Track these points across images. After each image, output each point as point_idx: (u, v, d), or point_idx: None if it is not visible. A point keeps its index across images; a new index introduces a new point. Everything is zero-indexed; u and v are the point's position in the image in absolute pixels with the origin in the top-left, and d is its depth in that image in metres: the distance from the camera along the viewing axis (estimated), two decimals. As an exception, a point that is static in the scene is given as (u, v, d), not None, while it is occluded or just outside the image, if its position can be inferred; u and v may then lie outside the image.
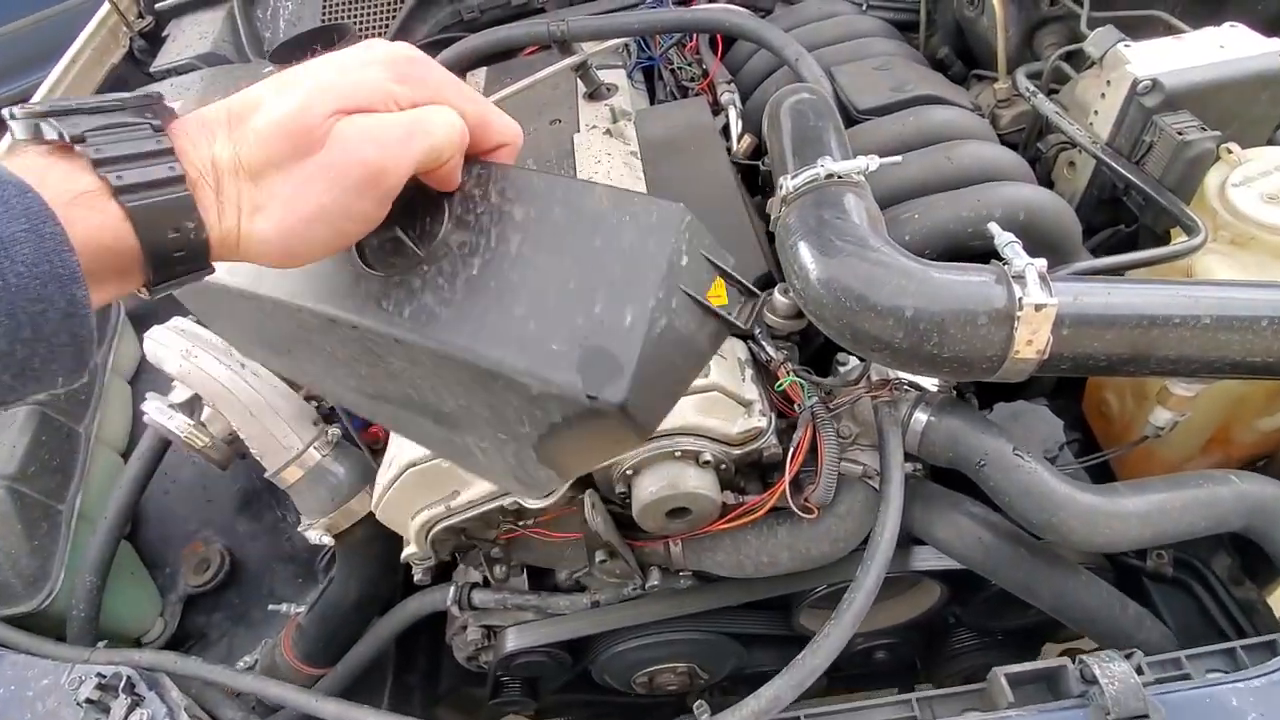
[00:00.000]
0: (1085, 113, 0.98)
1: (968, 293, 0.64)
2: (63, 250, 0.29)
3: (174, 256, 0.32)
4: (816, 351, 0.88)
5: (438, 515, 0.79)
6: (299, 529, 0.95)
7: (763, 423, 0.73)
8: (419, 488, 0.78)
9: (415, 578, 0.88)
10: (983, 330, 0.63)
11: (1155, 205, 0.86)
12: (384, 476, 0.80)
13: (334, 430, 0.95)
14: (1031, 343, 0.63)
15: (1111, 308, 0.64)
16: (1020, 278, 0.64)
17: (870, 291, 0.66)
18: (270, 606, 1.18)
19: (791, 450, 0.71)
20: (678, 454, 0.72)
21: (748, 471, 0.80)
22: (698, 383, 0.72)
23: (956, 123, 0.96)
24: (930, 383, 0.79)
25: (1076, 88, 1.01)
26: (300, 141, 0.34)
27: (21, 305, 0.29)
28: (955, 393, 0.79)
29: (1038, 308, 0.62)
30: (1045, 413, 0.91)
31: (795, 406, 0.73)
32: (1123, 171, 0.89)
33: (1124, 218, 1.00)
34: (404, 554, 0.86)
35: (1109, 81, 0.92)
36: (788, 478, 0.70)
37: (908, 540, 0.85)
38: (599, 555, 0.81)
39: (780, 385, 0.74)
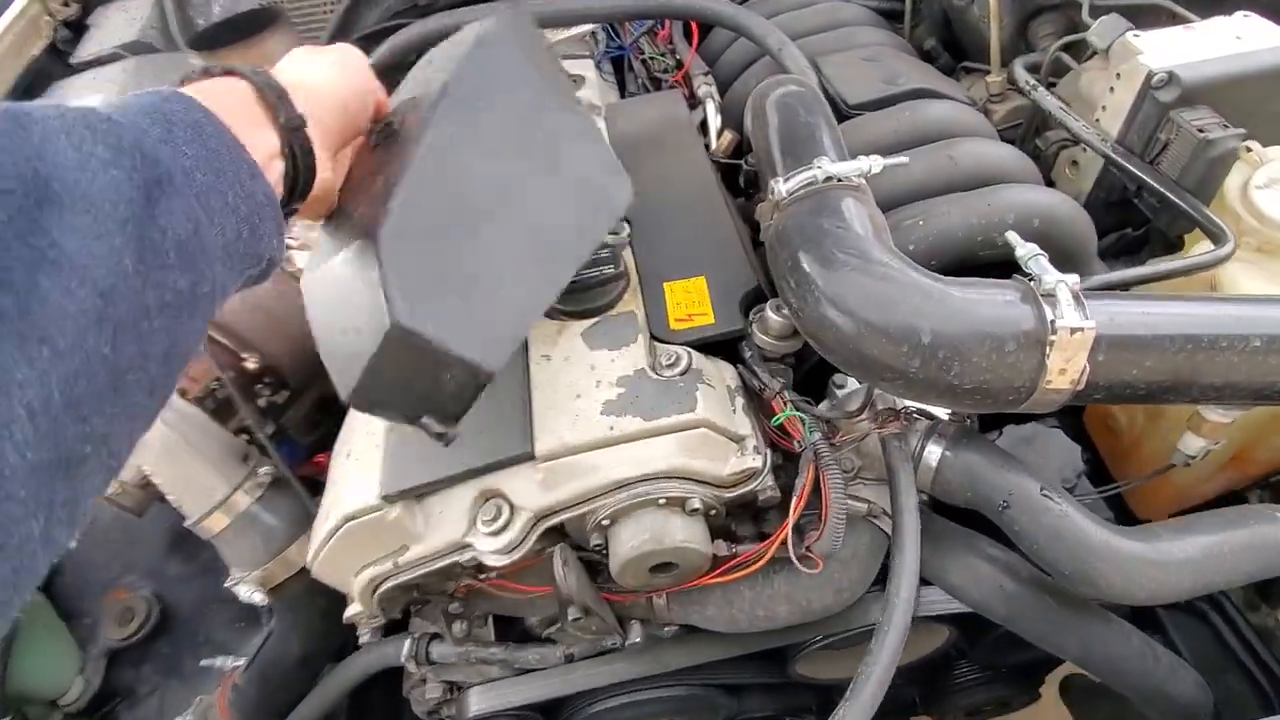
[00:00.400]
0: (1091, 108, 0.91)
1: (993, 314, 0.56)
2: (224, 132, 0.41)
3: (279, 89, 0.47)
4: (810, 371, 0.79)
5: (384, 573, 0.68)
6: (226, 584, 0.83)
7: (757, 462, 0.64)
8: (360, 543, 0.67)
9: (361, 639, 0.77)
10: (1010, 358, 0.55)
11: (1171, 209, 0.79)
12: (320, 529, 0.69)
13: (266, 469, 0.83)
14: (1065, 371, 0.55)
15: (1152, 329, 0.56)
16: (1050, 296, 0.56)
17: (881, 313, 0.57)
18: (203, 662, 1.06)
19: (794, 498, 0.62)
20: (661, 501, 0.63)
21: (739, 512, 0.71)
22: (682, 418, 0.63)
23: (956, 119, 0.88)
24: (940, 409, 0.71)
25: (1080, 81, 0.94)
26: (322, 50, 0.55)
27: (227, 165, 0.40)
28: (969, 420, 0.71)
29: (1073, 331, 0.54)
30: (1059, 436, 0.84)
31: (796, 443, 0.64)
32: (1136, 172, 0.82)
33: (1131, 220, 0.93)
34: (347, 613, 0.75)
35: (1119, 74, 0.85)
36: (790, 525, 0.61)
37: (914, 580, 0.77)
38: (573, 612, 0.71)
39: (777, 420, 0.65)
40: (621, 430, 0.63)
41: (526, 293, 0.55)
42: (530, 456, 0.64)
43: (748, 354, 0.71)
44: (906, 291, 0.58)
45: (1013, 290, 0.58)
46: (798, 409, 0.65)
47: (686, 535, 0.62)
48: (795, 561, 0.62)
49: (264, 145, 0.44)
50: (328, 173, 0.51)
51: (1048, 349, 0.55)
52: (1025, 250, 0.61)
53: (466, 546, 0.66)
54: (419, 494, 0.66)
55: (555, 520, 0.65)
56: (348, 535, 0.66)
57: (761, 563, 0.64)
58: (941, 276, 0.59)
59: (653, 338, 0.72)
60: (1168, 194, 0.78)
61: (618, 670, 0.80)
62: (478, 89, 0.54)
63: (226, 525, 0.80)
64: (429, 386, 0.51)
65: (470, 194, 0.53)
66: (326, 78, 0.51)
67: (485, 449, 0.65)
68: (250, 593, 0.81)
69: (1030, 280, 0.58)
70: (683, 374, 0.67)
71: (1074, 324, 0.54)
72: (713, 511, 0.65)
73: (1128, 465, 0.93)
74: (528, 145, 0.57)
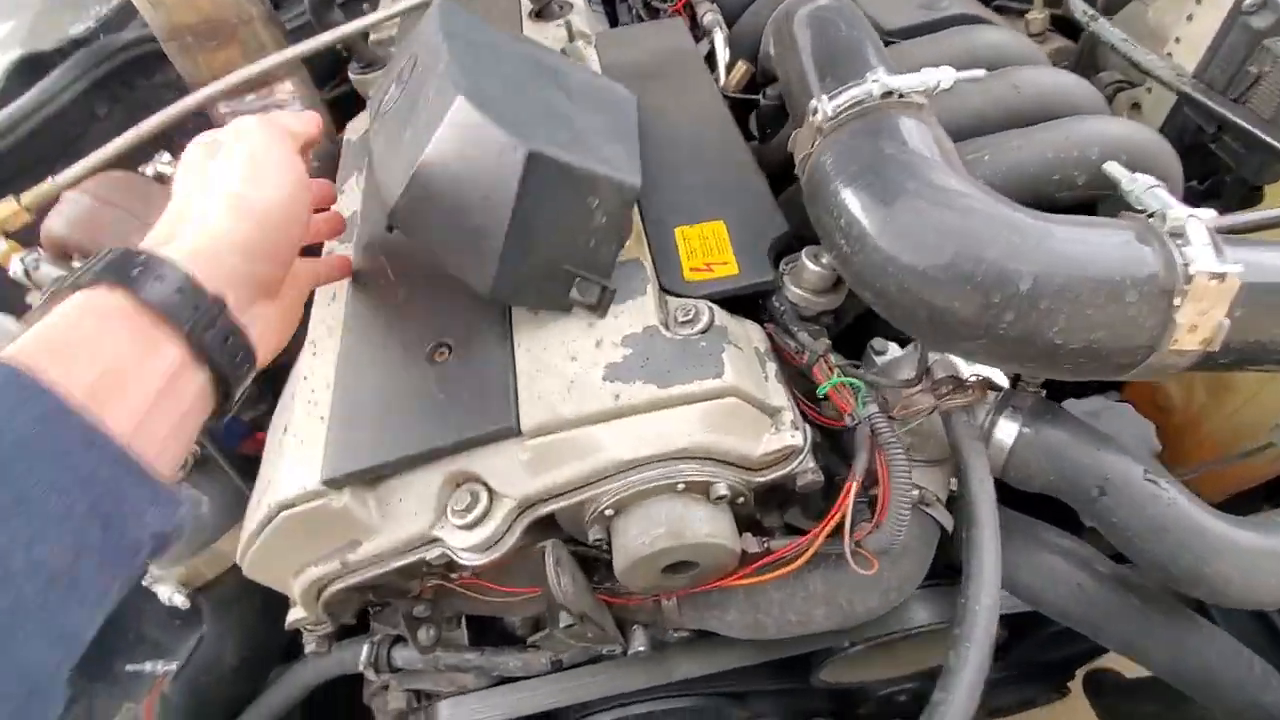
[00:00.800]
0: (1161, 42, 0.79)
1: (1108, 255, 0.44)
2: (31, 410, 0.30)
3: (175, 279, 0.38)
4: (845, 332, 0.68)
5: (330, 573, 0.55)
6: (144, 583, 0.69)
7: (796, 439, 0.52)
8: (300, 537, 0.54)
9: (307, 648, 0.64)
10: (1131, 310, 0.44)
11: (1264, 151, 0.68)
12: (251, 519, 0.56)
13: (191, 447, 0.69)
14: (1197, 328, 0.44)
15: (1296, 277, 0.45)
16: (1179, 235, 0.44)
17: (964, 254, 0.45)
18: (130, 666, 0.92)
19: (850, 482, 0.50)
20: (680, 487, 0.51)
21: (766, 499, 0.59)
22: (706, 385, 0.51)
23: (1010, 46, 0.76)
24: (1000, 375, 0.60)
25: (1148, 13, 0.82)
26: (221, 170, 0.45)
27: (34, 464, 0.30)
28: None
29: (1212, 277, 0.43)
30: (1128, 411, 0.74)
31: (847, 417, 0.52)
32: (1220, 110, 0.71)
33: (1196, 168, 0.83)
34: (289, 618, 0.62)
35: (1199, 1, 0.74)
36: (848, 516, 0.50)
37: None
38: (565, 618, 0.59)
39: (823, 389, 0.53)
40: (630, 400, 0.50)
41: (612, 130, 0.56)
42: (515, 432, 0.51)
43: (781, 310, 0.59)
44: (996, 227, 0.46)
45: (1127, 227, 0.46)
46: (848, 376, 0.53)
47: (711, 528, 0.50)
48: (849, 560, 0.50)
49: (158, 369, 0.36)
50: (274, 319, 0.46)
51: (1177, 300, 0.43)
52: (1137, 183, 0.49)
53: (434, 542, 0.53)
54: (372, 477, 0.53)
55: (545, 510, 0.52)
56: (283, 528, 0.53)
57: (801, 560, 0.52)
58: (1039, 212, 0.47)
59: (663, 290, 0.60)
60: (1262, 135, 0.67)
61: (614, 681, 0.69)
62: (466, 26, 0.55)
63: (141, 513, 0.66)
64: (577, 226, 0.50)
65: (511, 76, 0.53)
66: (239, 217, 0.42)
67: (456, 423, 0.51)
68: (170, 594, 0.67)
69: (1149, 216, 0.47)
70: (704, 332, 0.54)
71: (1213, 268, 0.43)
72: (740, 499, 0.53)
73: (1182, 446, 0.84)
74: (529, 56, 0.60)
